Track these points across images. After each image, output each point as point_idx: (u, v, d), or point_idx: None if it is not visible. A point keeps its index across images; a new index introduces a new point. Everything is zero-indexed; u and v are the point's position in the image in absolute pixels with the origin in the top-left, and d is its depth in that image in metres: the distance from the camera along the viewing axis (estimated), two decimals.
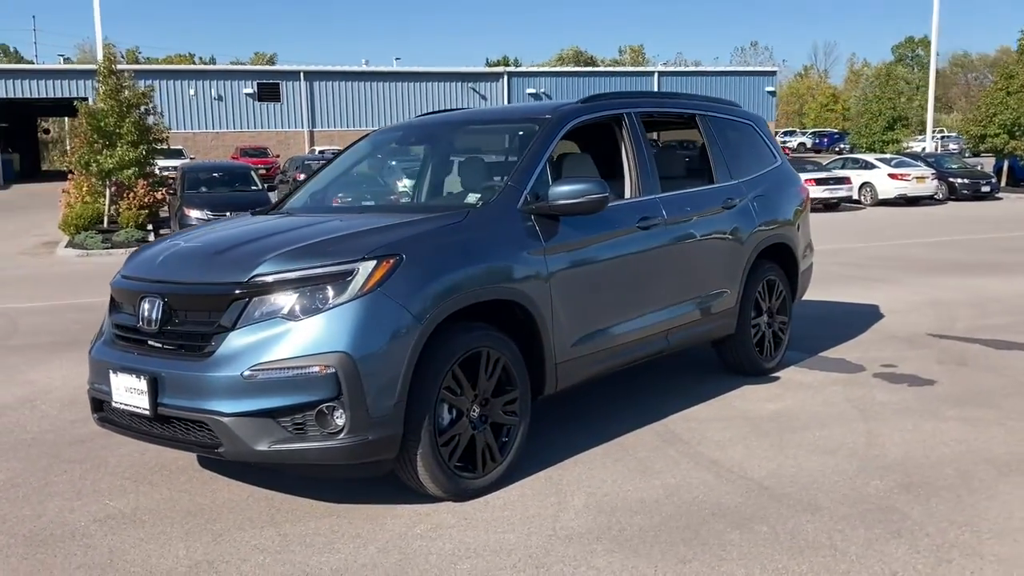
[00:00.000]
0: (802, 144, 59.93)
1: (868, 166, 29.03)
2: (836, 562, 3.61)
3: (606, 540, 3.87)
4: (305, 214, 5.30)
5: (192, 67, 52.26)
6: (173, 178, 23.23)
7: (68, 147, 23.28)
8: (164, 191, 23.53)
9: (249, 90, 43.89)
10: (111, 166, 21.06)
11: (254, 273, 4.01)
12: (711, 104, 6.67)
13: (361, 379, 3.87)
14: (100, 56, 24.34)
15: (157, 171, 23.99)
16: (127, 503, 4.47)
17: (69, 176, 23.89)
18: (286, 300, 3.97)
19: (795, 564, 3.60)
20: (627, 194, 5.56)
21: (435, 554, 3.79)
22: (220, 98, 43.57)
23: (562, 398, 5.81)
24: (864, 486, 4.41)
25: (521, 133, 5.34)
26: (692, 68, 58.88)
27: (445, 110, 6.81)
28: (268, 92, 44.34)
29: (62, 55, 69.04)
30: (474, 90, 47.14)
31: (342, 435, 3.90)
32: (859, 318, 8.74)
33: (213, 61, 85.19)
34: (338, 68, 46.61)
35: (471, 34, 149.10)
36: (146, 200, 22.55)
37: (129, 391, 4.18)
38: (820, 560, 3.63)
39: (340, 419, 3.89)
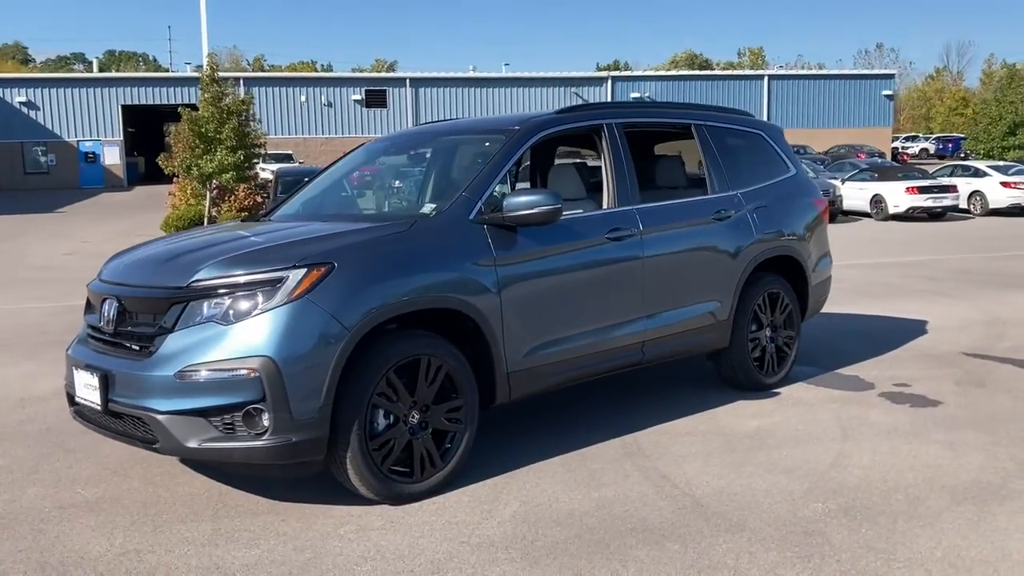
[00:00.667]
0: (924, 150, 57.44)
1: (979, 174, 27.63)
2: None
3: (514, 550, 3.91)
4: (284, 221, 5.51)
5: (304, 75, 54.11)
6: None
7: (171, 151, 24.42)
8: (262, 194, 24.50)
9: (357, 96, 45.14)
10: (211, 170, 22.10)
11: (193, 278, 4.23)
12: (710, 114, 6.57)
13: (284, 383, 4.03)
14: (204, 64, 25.49)
15: (259, 175, 25.04)
16: (95, 492, 4.76)
17: (174, 179, 25.13)
18: (221, 305, 4.16)
19: None
20: (605, 204, 5.56)
21: (344, 555, 3.91)
22: (330, 104, 44.97)
23: (544, 406, 5.88)
24: (802, 508, 4.30)
25: (487, 144, 5.40)
26: (803, 72, 57.26)
27: (445, 120, 6.93)
28: (375, 99, 45.49)
29: (189, 63, 72.68)
30: (577, 95, 47.17)
31: (266, 436, 4.06)
32: (899, 334, 8.41)
33: (330, 68, 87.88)
34: (442, 74, 47.43)
35: (583, 39, 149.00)
36: (246, 203, 23.53)
37: (86, 387, 4.46)
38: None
39: (265, 421, 4.06)
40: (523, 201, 4.80)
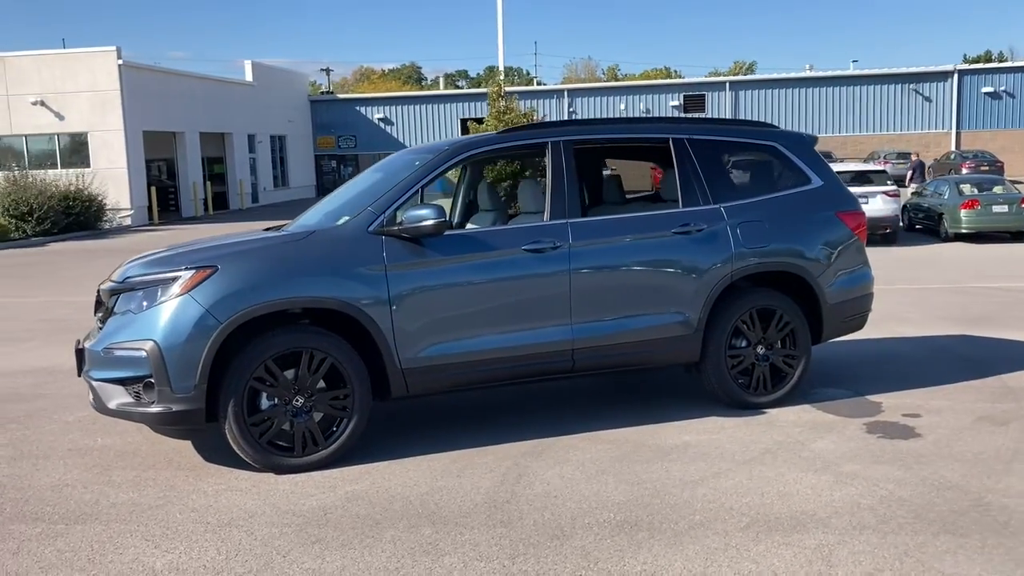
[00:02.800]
0: None
1: None
2: (391, 564, 3.91)
3: (321, 519, 4.53)
4: (274, 231, 6.46)
5: (623, 83, 55.27)
6: None
7: None
8: None
9: (675, 102, 45.51)
10: (490, 179, 23.96)
11: (124, 276, 5.35)
12: (697, 127, 6.49)
13: (165, 362, 5.00)
14: (501, 79, 27.51)
15: None
16: (69, 443, 5.99)
17: None
18: (137, 297, 5.23)
19: (350, 562, 3.98)
20: (545, 218, 5.87)
21: (192, 503, 4.79)
22: (648, 111, 45.81)
23: (490, 405, 6.32)
24: (584, 515, 4.43)
25: (417, 163, 5.93)
26: None
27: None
28: (693, 103, 45.55)
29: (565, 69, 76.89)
30: (917, 92, 43.63)
31: (155, 404, 5.06)
32: (998, 363, 7.49)
33: (679, 74, 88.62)
34: (765, 76, 46.23)
35: (947, 28, 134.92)
36: None
37: (74, 358, 5.76)
38: (379, 563, 3.96)
39: (155, 392, 5.05)
40: (412, 215, 5.36)
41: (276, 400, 5.23)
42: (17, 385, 7.83)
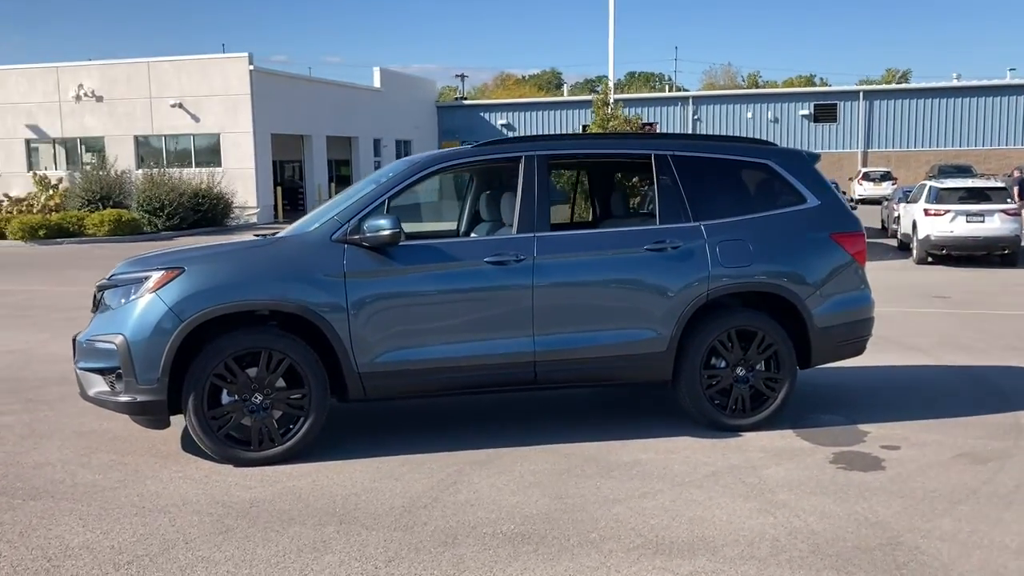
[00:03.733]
0: None
1: None
2: (274, 558, 4.10)
3: (247, 510, 4.79)
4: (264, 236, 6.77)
5: (752, 91, 53.94)
6: None
7: None
8: None
9: (805, 111, 44.18)
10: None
11: (111, 274, 5.76)
12: (684, 143, 6.41)
13: (132, 355, 5.37)
14: (611, 86, 27.44)
15: None
16: (77, 425, 6.48)
17: None
18: (117, 294, 5.63)
19: (239, 552, 4.19)
20: (513, 231, 5.96)
21: (147, 488, 5.15)
22: (776, 120, 44.65)
23: (471, 406, 6.45)
24: (486, 525, 4.51)
25: (392, 174, 6.11)
26: None
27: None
28: (824, 113, 44.12)
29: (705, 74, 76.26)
30: None
31: (123, 394, 5.44)
32: None
33: (825, 82, 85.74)
34: (898, 87, 44.29)
35: None
36: None
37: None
38: (265, 555, 4.15)
39: (123, 382, 5.44)
40: (370, 225, 5.57)
41: (236, 396, 5.53)
42: (66, 370, 8.48)
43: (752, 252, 6.13)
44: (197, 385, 5.43)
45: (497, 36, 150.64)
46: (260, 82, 32.79)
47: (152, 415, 5.53)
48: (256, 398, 5.54)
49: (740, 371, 6.17)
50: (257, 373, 5.52)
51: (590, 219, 8.12)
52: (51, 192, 29.84)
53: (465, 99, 60.44)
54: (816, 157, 6.69)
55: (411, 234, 7.25)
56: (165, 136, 33.65)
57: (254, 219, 32.51)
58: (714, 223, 6.15)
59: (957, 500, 4.84)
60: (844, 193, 27.70)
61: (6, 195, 30.47)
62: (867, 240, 6.62)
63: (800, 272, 6.22)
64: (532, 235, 5.89)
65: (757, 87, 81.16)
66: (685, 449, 5.78)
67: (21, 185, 32.79)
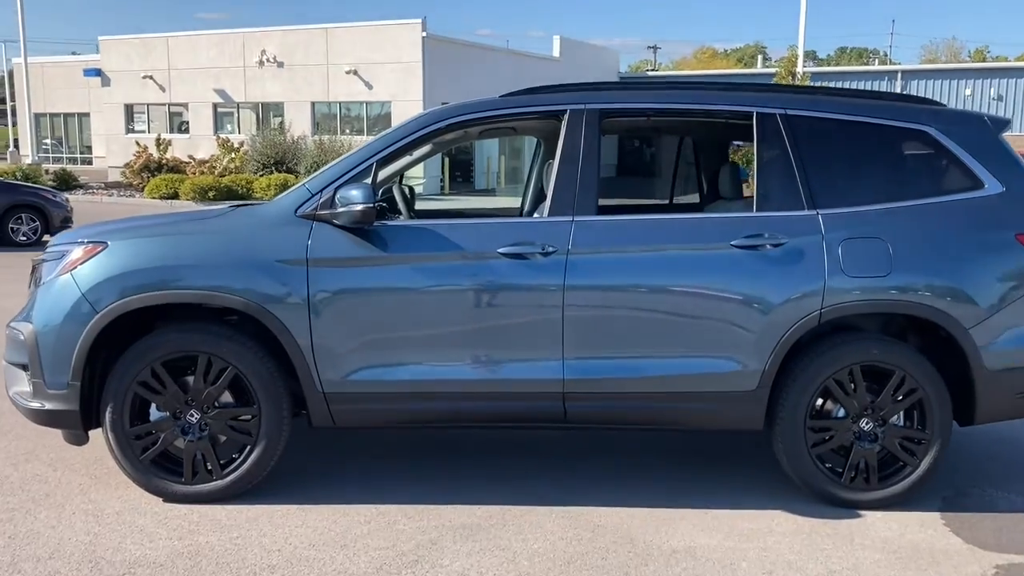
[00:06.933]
0: None
1: None
2: None
3: (79, 571, 3.53)
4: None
5: (971, 65, 48.32)
6: None
7: None
8: None
9: None
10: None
11: (49, 245, 4.61)
12: (802, 99, 4.53)
13: (40, 351, 4.21)
14: (800, 61, 24.80)
15: None
16: None
17: None
18: (40, 272, 4.49)
19: None
20: (544, 212, 4.37)
21: (22, 526, 3.98)
22: (999, 98, 39.64)
23: (490, 440, 4.98)
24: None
25: (389, 131, 4.60)
26: None
27: None
28: None
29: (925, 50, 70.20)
30: None
31: (32, 399, 4.30)
32: None
33: None
34: None
35: None
36: None
37: None
38: None
39: (32, 384, 4.30)
40: (342, 196, 4.14)
41: (167, 412, 4.27)
42: None
43: (893, 256, 4.23)
44: (117, 394, 4.20)
45: (701, 9, 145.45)
46: (432, 49, 32.06)
47: (65, 427, 4.36)
48: (192, 416, 4.26)
49: (866, 425, 4.32)
50: (195, 384, 4.24)
51: (668, 201, 6.38)
52: (232, 155, 30.45)
53: (655, 71, 57.84)
54: (1004, 123, 4.64)
55: (436, 212, 5.87)
56: (340, 103, 33.66)
57: (420, 190, 31.95)
58: (838, 212, 4.31)
59: None
60: None
61: (191, 157, 31.41)
62: None
63: (965, 288, 4.26)
64: (569, 219, 4.27)
65: (984, 61, 73.41)
66: (769, 534, 4.03)
67: (207, 148, 33.76)
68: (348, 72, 32.78)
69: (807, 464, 4.32)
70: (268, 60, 34.19)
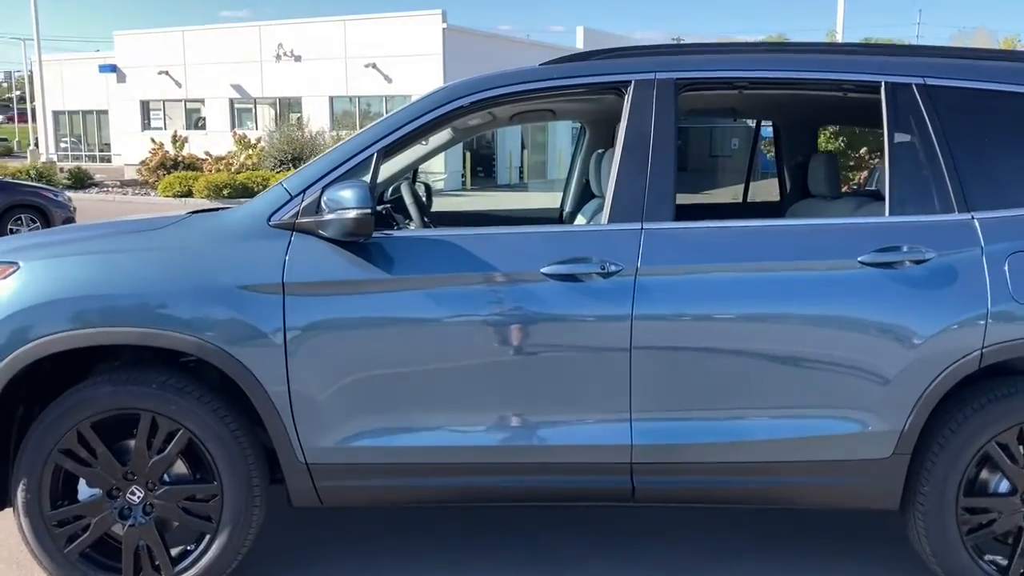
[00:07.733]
0: None
1: None
2: None
3: None
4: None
5: (1002, 52, 46.61)
6: None
7: None
8: None
9: None
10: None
11: None
12: (947, 65, 3.38)
13: None
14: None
15: None
16: None
17: None
18: None
19: None
20: (603, 218, 3.25)
21: None
22: None
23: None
24: None
25: (395, 112, 3.50)
26: None
27: None
28: None
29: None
30: None
31: None
32: None
33: None
34: None
35: None
36: None
37: None
38: None
39: None
40: (330, 199, 3.06)
41: (99, 489, 3.20)
42: None
43: None
44: (33, 467, 3.14)
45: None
46: (453, 41, 30.98)
47: None
48: (133, 494, 3.18)
49: None
50: (136, 452, 3.17)
51: (779, 201, 5.22)
52: (249, 152, 29.55)
53: None
54: None
55: (456, 217, 4.83)
56: (359, 97, 32.67)
57: (440, 185, 30.91)
58: (1002, 216, 3.17)
59: None
60: None
61: (207, 153, 30.53)
62: None
63: None
64: (637, 226, 3.15)
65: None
66: None
67: (226, 144, 32.88)
68: (367, 66, 31.80)
69: (959, 556, 3.20)
70: (285, 54, 33.29)
